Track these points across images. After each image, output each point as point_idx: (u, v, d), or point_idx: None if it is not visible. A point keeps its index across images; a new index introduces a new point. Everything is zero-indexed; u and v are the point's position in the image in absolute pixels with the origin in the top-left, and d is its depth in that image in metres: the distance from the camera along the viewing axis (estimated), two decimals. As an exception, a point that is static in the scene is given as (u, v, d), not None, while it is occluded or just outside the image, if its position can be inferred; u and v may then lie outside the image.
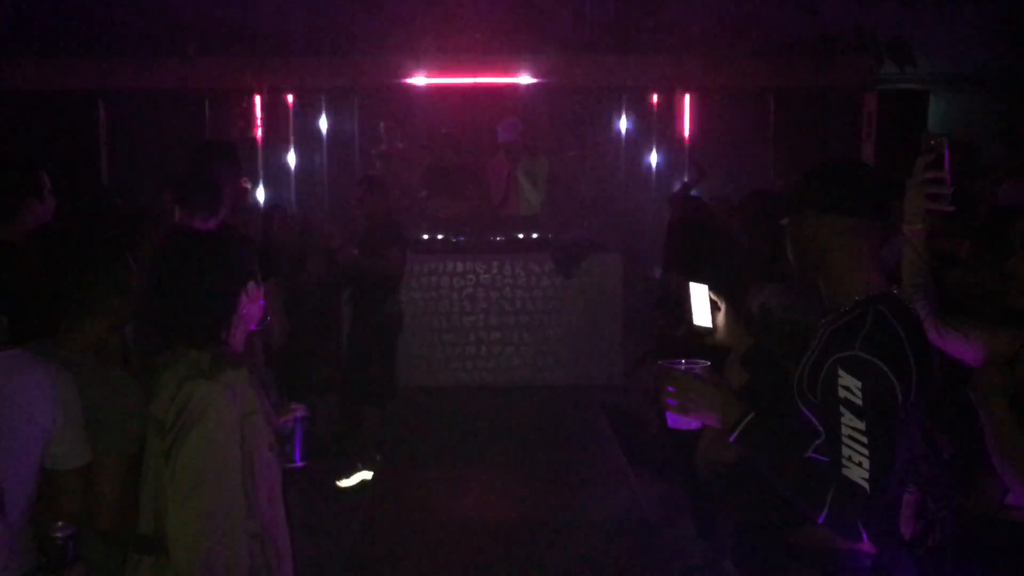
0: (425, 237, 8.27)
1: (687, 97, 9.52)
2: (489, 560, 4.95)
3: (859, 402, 2.10)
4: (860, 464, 2.09)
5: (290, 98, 9.71)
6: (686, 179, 8.64)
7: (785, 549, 2.37)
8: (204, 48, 9.11)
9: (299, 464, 2.83)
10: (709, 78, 9.36)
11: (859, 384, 2.10)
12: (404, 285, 7.97)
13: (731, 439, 2.26)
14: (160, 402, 2.34)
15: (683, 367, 2.38)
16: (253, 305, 2.54)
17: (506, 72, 9.49)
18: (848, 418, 2.11)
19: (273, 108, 9.59)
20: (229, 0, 9.33)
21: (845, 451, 2.11)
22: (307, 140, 9.88)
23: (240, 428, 2.36)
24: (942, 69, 9.66)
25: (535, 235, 8.32)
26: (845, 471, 2.10)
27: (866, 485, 2.08)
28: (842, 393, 2.12)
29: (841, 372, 2.13)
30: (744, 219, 6.20)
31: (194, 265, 2.46)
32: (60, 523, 2.17)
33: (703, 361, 2.42)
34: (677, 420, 2.36)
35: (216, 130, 9.37)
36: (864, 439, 2.09)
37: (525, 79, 9.43)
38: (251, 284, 2.53)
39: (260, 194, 9.12)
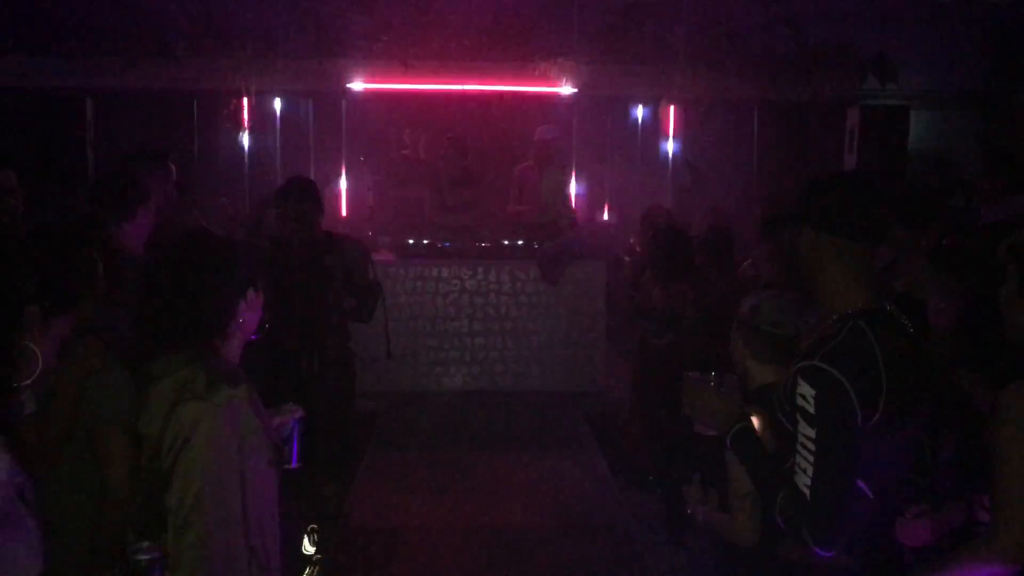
0: (411, 242, 8.30)
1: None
2: (469, 564, 4.99)
3: (811, 410, 2.13)
4: (805, 471, 2.12)
5: (277, 101, 9.74)
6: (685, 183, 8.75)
7: (768, 562, 2.43)
8: (192, 49, 9.13)
9: (295, 466, 2.82)
10: (694, 90, 9.47)
11: (813, 393, 2.13)
12: (390, 289, 8.03)
13: (727, 446, 2.36)
14: (151, 418, 2.32)
15: (712, 378, 2.48)
16: (252, 314, 2.51)
17: (494, 81, 9.56)
18: (802, 425, 2.15)
19: (260, 110, 9.62)
20: (218, 2, 9.35)
21: (797, 458, 2.15)
22: (293, 142, 9.91)
23: (239, 448, 2.34)
24: (922, 86, 9.82)
25: (521, 242, 8.38)
26: (795, 477, 2.15)
27: (807, 492, 2.11)
28: (799, 401, 2.16)
29: (800, 381, 2.17)
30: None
31: (195, 269, 2.43)
32: (146, 544, 2.14)
33: (732, 375, 2.53)
34: (700, 424, 2.50)
35: (204, 131, 9.39)
36: (812, 447, 2.12)
37: (512, 88, 9.51)
38: (250, 291, 2.50)
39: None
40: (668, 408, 5.01)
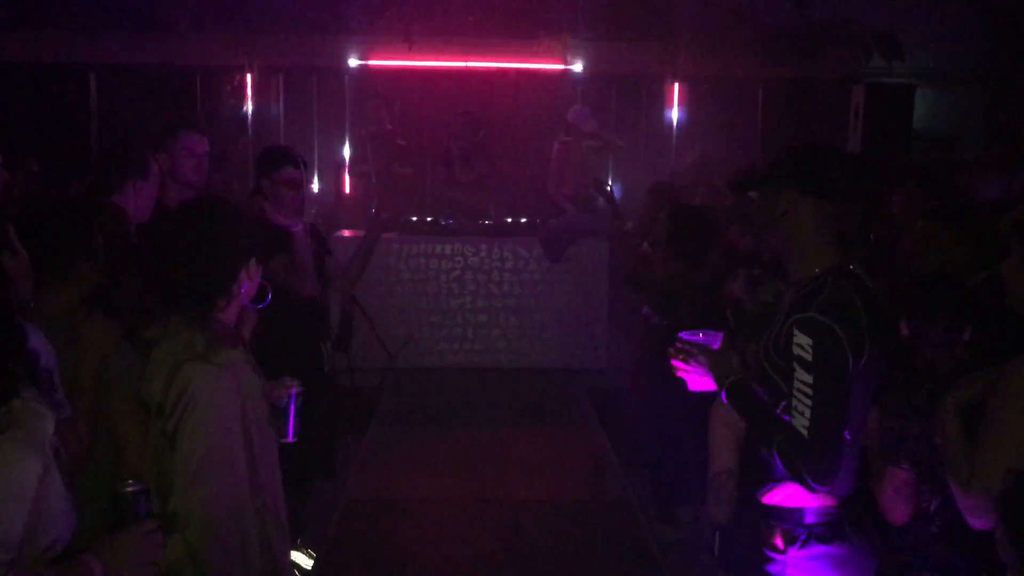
0: (414, 219, 8.30)
1: (677, 86, 9.60)
2: (470, 537, 5.02)
3: (809, 358, 2.29)
4: (803, 414, 2.30)
5: (280, 77, 9.72)
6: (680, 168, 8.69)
7: (758, 507, 2.51)
8: (196, 24, 9.11)
9: (291, 440, 2.87)
10: (699, 67, 9.44)
11: (810, 342, 2.30)
12: (393, 267, 8.04)
13: (723, 398, 2.50)
14: (153, 382, 2.35)
15: (701, 338, 2.65)
16: (251, 283, 2.55)
17: (498, 57, 9.53)
18: (799, 372, 2.31)
19: (264, 86, 9.60)
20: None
21: (794, 402, 2.32)
22: (296, 119, 9.89)
23: (241, 407, 2.39)
24: (928, 64, 9.78)
25: (524, 219, 8.37)
26: (793, 420, 2.32)
27: (804, 432, 2.29)
28: (796, 350, 2.32)
29: (796, 331, 2.32)
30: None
31: (199, 235, 2.47)
32: (131, 479, 2.15)
33: (717, 332, 2.69)
34: (695, 383, 2.63)
35: (206, 107, 9.38)
36: (809, 391, 2.29)
37: (517, 65, 9.48)
38: (252, 261, 2.54)
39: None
40: (666, 386, 5.00)
